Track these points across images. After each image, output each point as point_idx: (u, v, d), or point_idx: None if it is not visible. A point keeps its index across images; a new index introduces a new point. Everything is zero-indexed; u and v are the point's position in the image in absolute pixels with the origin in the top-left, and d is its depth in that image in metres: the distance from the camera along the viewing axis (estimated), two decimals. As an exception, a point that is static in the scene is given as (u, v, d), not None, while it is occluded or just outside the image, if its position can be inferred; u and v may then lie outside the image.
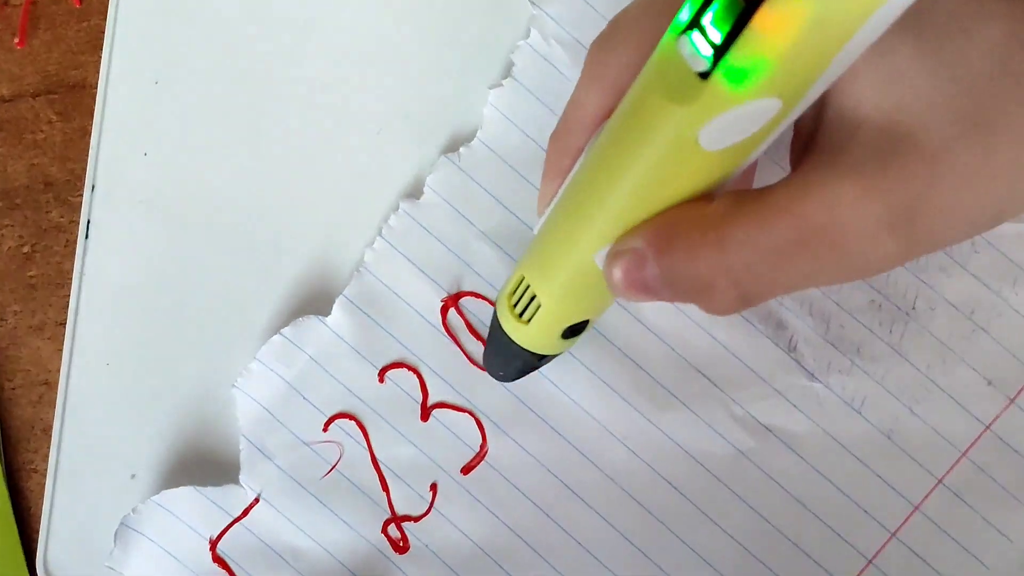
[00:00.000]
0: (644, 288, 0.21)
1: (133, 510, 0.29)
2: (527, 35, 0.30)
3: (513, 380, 0.27)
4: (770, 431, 0.29)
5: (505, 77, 0.30)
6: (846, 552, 0.28)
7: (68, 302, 0.30)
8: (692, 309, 0.29)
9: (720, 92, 0.17)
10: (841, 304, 0.29)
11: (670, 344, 0.29)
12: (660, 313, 0.29)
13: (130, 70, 0.31)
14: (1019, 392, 0.28)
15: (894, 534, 0.28)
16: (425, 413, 0.29)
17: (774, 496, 0.28)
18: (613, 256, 0.21)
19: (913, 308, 0.28)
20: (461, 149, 0.29)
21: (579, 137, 0.23)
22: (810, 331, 0.28)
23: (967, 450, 0.28)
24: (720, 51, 0.17)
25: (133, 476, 0.30)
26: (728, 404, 0.29)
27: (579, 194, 0.21)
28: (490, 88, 0.30)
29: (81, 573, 0.30)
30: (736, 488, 0.29)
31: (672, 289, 0.20)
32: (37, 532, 0.30)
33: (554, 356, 0.25)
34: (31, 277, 0.31)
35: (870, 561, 0.28)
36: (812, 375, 0.28)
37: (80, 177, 0.31)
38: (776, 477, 0.29)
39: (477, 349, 0.29)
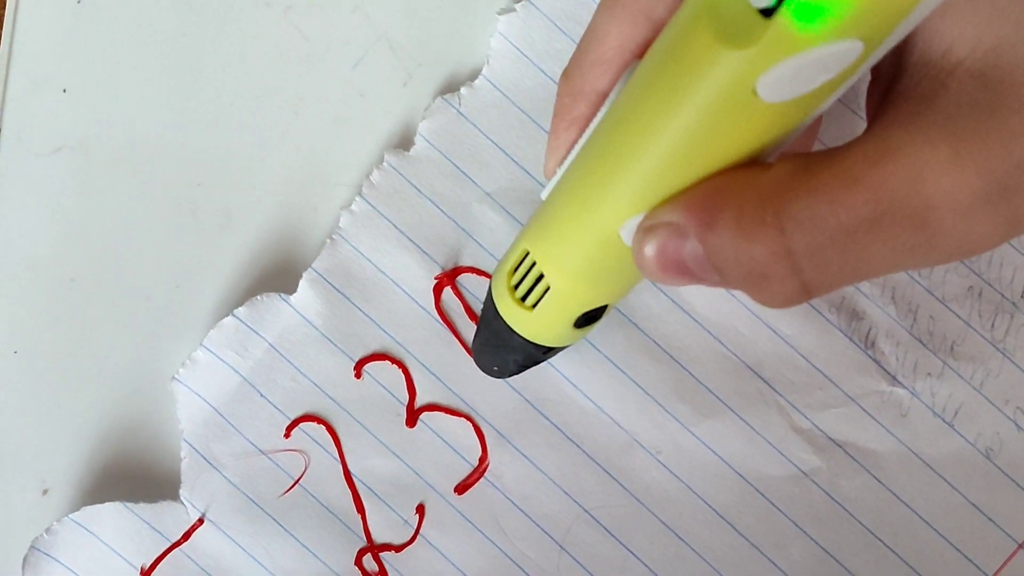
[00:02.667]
0: (683, 270, 0.19)
1: (46, 531, 0.26)
2: (545, -51, 0.26)
3: (508, 376, 0.25)
4: (840, 447, 0.26)
5: (518, 1, 0.27)
6: None
7: None
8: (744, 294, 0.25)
9: (786, 33, 0.16)
10: (932, 290, 0.26)
11: (717, 336, 0.26)
12: (705, 297, 0.26)
13: None
14: None
15: None
16: (412, 417, 0.26)
17: (844, 527, 0.26)
18: (646, 230, 0.19)
19: (1021, 297, 0.26)
20: (462, 90, 0.27)
21: (598, 78, 0.21)
22: (893, 323, 0.26)
23: (1085, 474, 0.25)
24: None
25: (45, 491, 0.28)
26: (788, 412, 0.26)
27: (603, 151, 0.20)
28: (499, 14, 0.27)
29: None
30: (796, 517, 0.26)
31: (718, 274, 0.19)
32: (-74, 558, 0.26)
33: (561, 349, 0.23)
34: (-77, 241, 0.28)
35: None
36: (894, 378, 0.26)
37: None
38: (846, 504, 0.26)
39: None
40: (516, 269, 0.22)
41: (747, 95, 0.17)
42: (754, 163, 0.18)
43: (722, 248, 0.19)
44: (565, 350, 0.24)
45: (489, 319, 0.23)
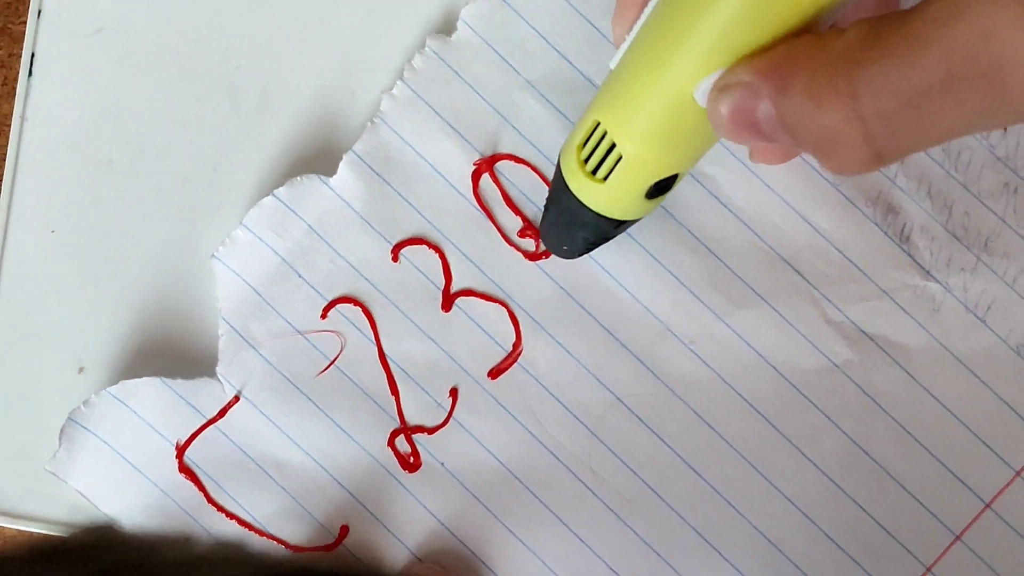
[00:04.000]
0: (756, 130, 0.20)
1: (84, 403, 0.28)
2: None
3: (581, 255, 0.26)
4: (873, 340, 0.27)
5: None
6: (961, 494, 0.27)
7: (6, 154, 0.29)
8: (782, 185, 0.27)
9: None
10: (967, 186, 0.27)
11: (753, 228, 0.27)
12: (742, 189, 0.27)
13: None
14: None
15: (1020, 473, 0.27)
16: (447, 302, 0.27)
17: (875, 421, 0.27)
18: (720, 89, 0.20)
19: None
20: None
21: None
22: (928, 218, 0.27)
23: (1115, 373, 0.26)
24: None
25: (82, 370, 0.29)
26: (822, 305, 0.27)
27: (675, 9, 0.20)
28: None
29: (14, 485, 0.28)
30: (828, 409, 0.27)
31: (791, 136, 0.20)
32: (-37, 432, 0.28)
33: (633, 222, 0.24)
34: (-39, 120, 0.29)
35: (988, 505, 0.27)
36: (928, 273, 0.27)
37: (23, 0, 0.29)
38: (878, 398, 0.27)
39: (514, 225, 0.27)
40: (586, 142, 0.23)
41: None
42: (827, 29, 0.19)
43: (794, 112, 0.20)
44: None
45: (559, 196, 0.24)
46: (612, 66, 0.22)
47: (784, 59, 0.20)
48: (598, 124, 0.22)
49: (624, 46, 0.22)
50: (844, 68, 0.19)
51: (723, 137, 0.21)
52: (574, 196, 0.23)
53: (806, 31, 0.19)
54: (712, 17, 0.19)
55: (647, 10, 0.21)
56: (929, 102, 0.19)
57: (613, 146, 0.22)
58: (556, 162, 0.24)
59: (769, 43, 0.19)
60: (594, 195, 0.23)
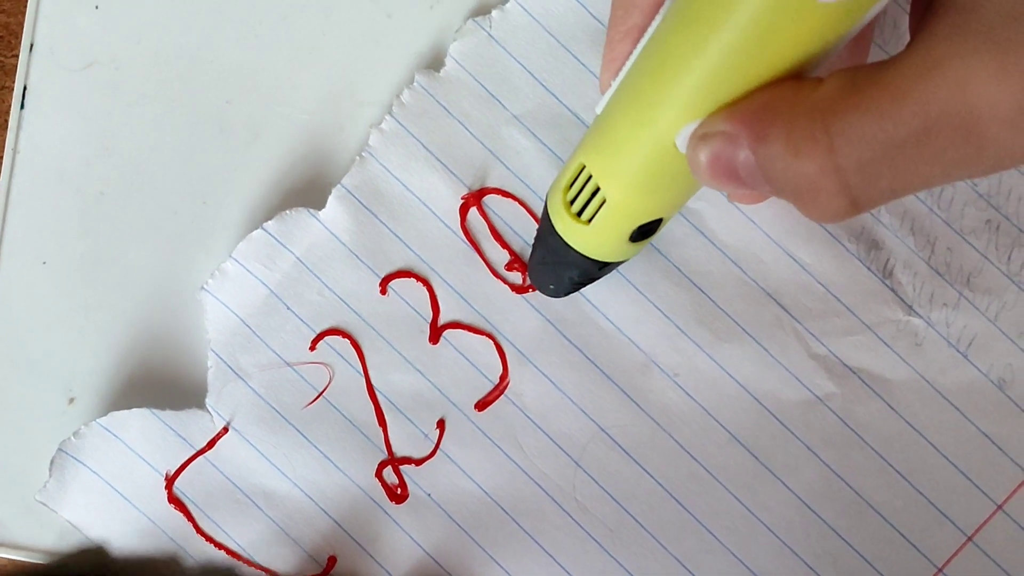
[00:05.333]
0: (735, 177, 0.21)
1: (74, 434, 0.28)
2: None
3: (567, 294, 0.27)
4: (855, 374, 0.28)
5: None
6: (943, 526, 0.28)
7: None
8: (767, 221, 0.28)
9: None
10: (950, 223, 0.27)
11: (737, 263, 0.28)
12: (726, 224, 0.28)
13: None
14: None
15: (1000, 507, 0.28)
16: (435, 334, 0.28)
17: (856, 453, 0.28)
18: (700, 137, 0.21)
19: None
20: (493, 12, 0.28)
21: None
22: (911, 254, 0.28)
23: (1094, 407, 0.27)
24: None
25: (72, 400, 0.29)
26: (805, 339, 0.28)
27: (659, 59, 0.21)
28: None
29: (8, 514, 0.28)
30: (810, 441, 0.28)
31: (768, 183, 0.20)
32: (-46, 462, 0.28)
33: (618, 264, 0.25)
34: (-46, 151, 0.29)
35: (970, 538, 0.28)
36: (911, 308, 0.28)
37: (16, 33, 0.30)
38: (859, 431, 0.28)
39: (501, 258, 0.28)
40: (572, 184, 0.23)
41: None
42: (805, 78, 0.20)
43: (773, 161, 0.20)
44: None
45: (545, 236, 0.25)
46: (598, 111, 0.23)
47: (763, 108, 0.20)
48: (583, 167, 0.23)
49: (609, 92, 0.23)
50: (822, 118, 0.19)
51: (703, 184, 0.21)
52: (560, 237, 0.24)
53: (784, 82, 0.20)
54: (693, 67, 0.20)
55: (631, 59, 0.22)
56: (906, 153, 0.19)
57: (598, 189, 0.22)
58: (544, 201, 0.25)
59: (749, 92, 0.20)
60: (579, 237, 0.23)
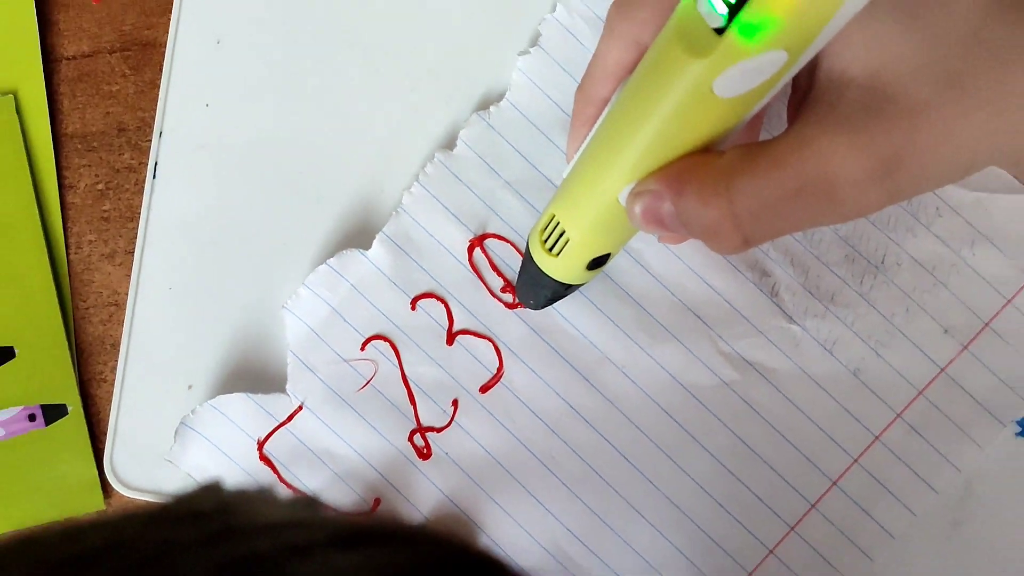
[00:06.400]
0: (661, 223, 0.25)
1: (192, 411, 0.37)
2: (553, 9, 0.38)
3: (542, 307, 0.35)
4: (751, 366, 0.37)
5: (533, 46, 0.38)
6: (814, 474, 0.37)
7: (136, 233, 0.39)
8: (688, 257, 0.37)
9: (733, 45, 0.20)
10: (820, 257, 0.37)
11: (668, 287, 0.37)
12: (660, 259, 0.37)
13: (196, 31, 0.40)
14: (972, 340, 0.37)
15: (856, 460, 0.37)
16: (450, 338, 0.37)
17: (752, 423, 0.37)
18: (635, 194, 0.25)
19: (882, 263, 0.37)
20: (491, 108, 0.37)
21: (602, 87, 0.28)
22: (791, 279, 0.37)
23: (924, 389, 0.37)
24: (734, 9, 0.20)
25: (190, 387, 0.38)
26: (716, 341, 0.37)
27: (606, 139, 0.25)
28: (519, 55, 0.38)
29: (141, 470, 0.38)
30: (720, 414, 0.37)
31: (685, 228, 0.25)
32: (105, 434, 0.39)
33: (579, 286, 0.33)
34: (104, 211, 0.40)
35: (834, 483, 0.37)
36: (791, 318, 0.37)
37: (149, 125, 0.39)
38: (755, 406, 0.37)
39: (498, 284, 0.38)
40: (546, 228, 0.30)
41: (707, 92, 0.21)
42: (711, 151, 0.24)
43: (688, 211, 0.24)
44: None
45: (527, 265, 0.32)
46: (564, 175, 0.31)
47: (681, 173, 0.24)
48: (554, 216, 0.29)
49: (572, 162, 0.30)
50: (723, 180, 0.23)
51: (639, 228, 0.26)
52: (537, 266, 0.31)
53: (696, 154, 0.24)
54: (631, 145, 0.25)
55: (588, 139, 0.29)
56: (783, 205, 0.23)
57: (564, 232, 0.29)
58: (526, 241, 0.35)
59: (670, 162, 0.24)
60: (551, 266, 0.31)
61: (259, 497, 0.20)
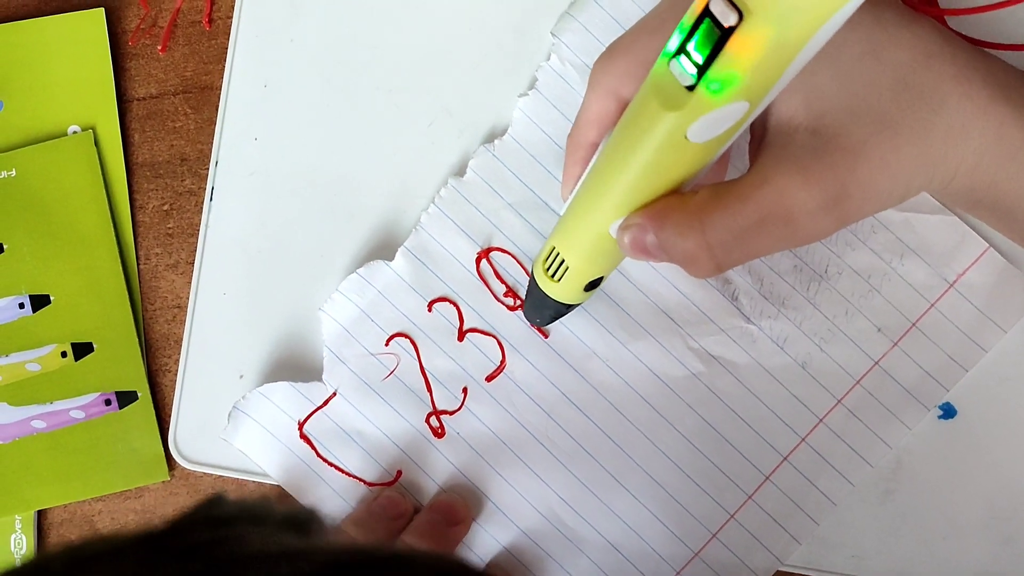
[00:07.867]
0: (646, 252, 0.28)
1: (243, 397, 0.44)
2: (548, 58, 0.45)
3: (547, 324, 0.42)
4: (715, 359, 0.43)
5: (530, 89, 0.44)
6: (768, 451, 0.43)
7: (196, 247, 0.45)
8: (663, 268, 0.44)
9: (703, 99, 0.23)
10: (772, 267, 0.44)
11: (645, 292, 0.44)
12: (639, 270, 0.44)
13: (246, 77, 0.46)
14: (901, 337, 0.43)
15: (804, 439, 0.43)
16: (461, 335, 0.44)
17: (716, 407, 0.43)
18: (623, 228, 0.28)
19: (825, 272, 0.43)
20: (496, 141, 0.43)
21: (589, 133, 0.32)
22: (748, 286, 0.44)
23: (860, 379, 0.43)
24: (702, 70, 0.22)
25: (241, 376, 0.45)
26: (685, 338, 0.44)
27: (597, 181, 0.29)
28: (519, 97, 0.44)
29: (200, 446, 0.45)
30: (688, 400, 0.43)
31: (666, 255, 0.28)
32: (170, 416, 0.45)
33: (577, 305, 0.39)
34: (169, 228, 0.47)
35: (785, 458, 0.43)
36: (748, 319, 0.43)
37: (207, 155, 0.46)
38: (718, 394, 0.43)
39: (501, 290, 0.45)
40: (548, 258, 0.34)
41: (681, 139, 0.24)
42: (686, 191, 0.27)
43: (668, 241, 0.27)
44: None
45: (533, 289, 0.37)
46: (561, 213, 0.36)
47: (661, 209, 0.27)
48: (554, 247, 0.33)
49: (568, 200, 0.34)
50: (697, 215, 0.26)
51: (627, 256, 0.30)
52: (541, 290, 0.36)
53: (674, 193, 0.28)
54: (619, 185, 0.28)
55: (580, 181, 0.33)
56: (749, 235, 0.26)
57: (563, 261, 0.33)
58: (531, 268, 0.40)
59: (652, 200, 0.28)
60: (553, 290, 0.35)
61: (254, 516, 0.20)
